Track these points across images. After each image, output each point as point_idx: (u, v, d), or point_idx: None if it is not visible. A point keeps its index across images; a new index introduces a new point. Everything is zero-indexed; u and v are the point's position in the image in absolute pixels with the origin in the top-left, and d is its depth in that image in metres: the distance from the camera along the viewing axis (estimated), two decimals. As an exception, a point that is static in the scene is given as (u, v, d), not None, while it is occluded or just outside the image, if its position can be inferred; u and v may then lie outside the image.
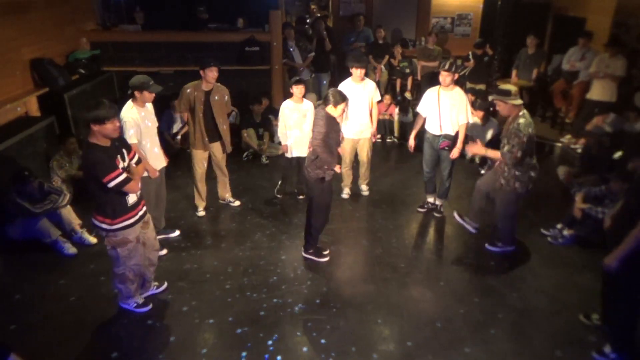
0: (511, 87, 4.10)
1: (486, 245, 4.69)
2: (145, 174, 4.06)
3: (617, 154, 5.18)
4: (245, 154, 6.92)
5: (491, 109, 6.97)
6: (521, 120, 3.99)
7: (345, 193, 5.75)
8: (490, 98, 4.80)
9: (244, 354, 3.39)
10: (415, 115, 5.30)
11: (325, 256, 4.49)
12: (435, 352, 3.43)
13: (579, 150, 6.77)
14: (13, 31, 5.46)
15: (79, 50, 6.83)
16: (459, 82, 5.88)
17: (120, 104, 4.10)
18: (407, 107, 7.70)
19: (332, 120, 4.05)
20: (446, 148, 4.93)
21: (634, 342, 3.26)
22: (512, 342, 3.53)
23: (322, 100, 4.21)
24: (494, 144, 5.20)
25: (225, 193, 5.46)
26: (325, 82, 8.33)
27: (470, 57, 8.30)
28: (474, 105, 6.61)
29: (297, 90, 5.02)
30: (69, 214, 4.69)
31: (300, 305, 3.88)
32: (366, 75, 5.30)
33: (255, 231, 5.00)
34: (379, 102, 5.50)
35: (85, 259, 4.45)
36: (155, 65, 7.19)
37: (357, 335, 3.58)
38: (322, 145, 4.01)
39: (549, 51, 8.86)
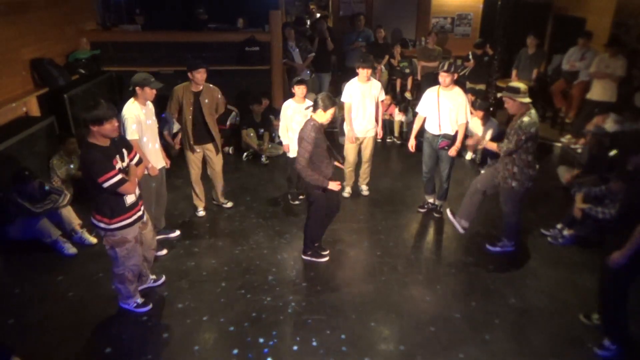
0: (521, 85, 4.08)
1: (486, 245, 4.69)
2: (146, 171, 4.07)
3: (612, 152, 5.18)
4: (245, 154, 6.92)
5: (491, 109, 6.98)
6: (525, 119, 4.00)
7: (347, 192, 5.77)
8: (499, 95, 4.80)
9: (243, 353, 3.39)
10: (415, 115, 5.31)
11: (324, 256, 4.49)
12: (435, 351, 3.43)
13: (579, 150, 6.78)
14: (13, 31, 5.46)
15: (79, 50, 6.83)
16: (459, 82, 5.88)
17: (120, 104, 4.11)
18: (407, 107, 7.71)
19: (320, 130, 3.99)
20: (445, 148, 4.93)
21: (628, 332, 3.37)
22: (512, 342, 3.53)
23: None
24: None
25: (218, 194, 5.42)
26: (326, 82, 8.34)
27: (470, 57, 8.30)
28: (474, 105, 6.62)
29: (299, 90, 5.02)
30: (69, 214, 4.69)
31: (300, 305, 3.88)
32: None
33: (255, 231, 5.00)
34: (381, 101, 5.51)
35: (85, 259, 4.45)
36: (155, 65, 7.18)
37: (357, 335, 3.58)
38: (306, 167, 3.91)
39: (549, 51, 8.86)
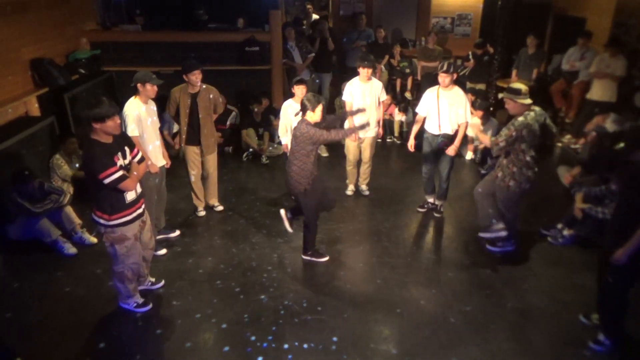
0: (522, 86, 4.08)
1: (486, 245, 4.69)
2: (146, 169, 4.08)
3: (619, 145, 5.14)
4: (245, 154, 6.92)
5: (491, 108, 6.98)
6: (520, 118, 4.02)
7: (350, 190, 5.79)
8: (500, 96, 4.80)
9: (243, 353, 3.39)
10: (415, 115, 5.31)
11: (324, 256, 4.50)
12: (435, 351, 3.43)
13: (579, 150, 6.77)
14: (13, 31, 5.46)
15: (79, 50, 6.83)
16: (459, 82, 5.88)
17: (121, 104, 4.12)
18: (407, 107, 7.71)
19: (314, 129, 4.00)
20: (445, 148, 4.93)
21: (623, 328, 3.42)
22: (512, 342, 3.53)
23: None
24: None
25: (211, 197, 5.37)
26: (326, 81, 8.33)
27: (471, 57, 8.29)
28: (474, 105, 6.61)
29: (299, 90, 5.01)
30: (69, 213, 4.69)
31: (299, 305, 3.88)
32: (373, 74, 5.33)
33: (255, 231, 5.00)
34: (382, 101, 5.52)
35: (85, 259, 4.45)
36: (155, 65, 7.17)
37: (357, 335, 3.58)
38: (327, 133, 3.96)
39: (549, 51, 8.85)
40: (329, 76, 8.40)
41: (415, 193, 5.81)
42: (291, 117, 5.09)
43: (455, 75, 4.90)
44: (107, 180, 3.17)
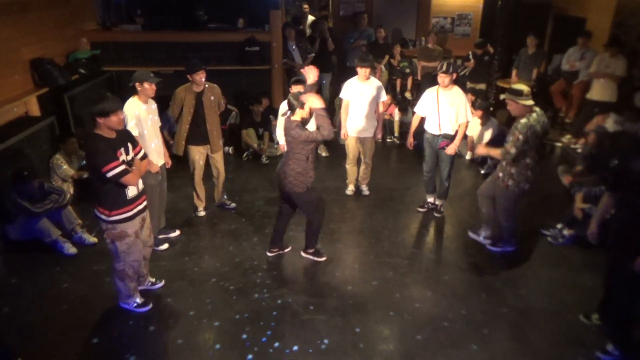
0: (524, 87, 4.06)
1: (487, 245, 4.69)
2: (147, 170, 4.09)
3: (613, 163, 5.13)
4: (245, 154, 6.92)
5: (491, 108, 6.98)
6: (522, 120, 4.00)
7: (350, 190, 5.80)
8: (502, 97, 4.80)
9: (243, 353, 3.39)
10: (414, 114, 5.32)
11: (323, 255, 4.49)
12: (435, 351, 3.43)
13: (579, 150, 6.77)
14: (13, 31, 5.46)
15: (79, 50, 6.83)
16: (459, 82, 5.88)
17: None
18: (407, 107, 7.71)
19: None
20: (445, 147, 4.94)
21: (634, 338, 3.33)
22: (512, 342, 3.53)
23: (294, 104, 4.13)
24: (494, 143, 5.18)
25: (221, 195, 5.42)
26: (326, 82, 8.33)
27: (471, 57, 8.30)
28: (474, 105, 6.61)
29: (296, 90, 5.00)
30: (69, 213, 4.69)
31: (299, 305, 3.88)
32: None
33: (255, 231, 5.00)
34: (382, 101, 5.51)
35: (85, 259, 4.45)
36: (155, 65, 7.17)
37: (357, 335, 3.58)
38: (316, 132, 3.91)
39: (549, 51, 8.86)
40: (329, 76, 8.40)
41: (415, 193, 5.81)
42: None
43: (454, 75, 4.91)
44: (109, 174, 3.21)
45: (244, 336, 3.55)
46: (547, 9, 9.41)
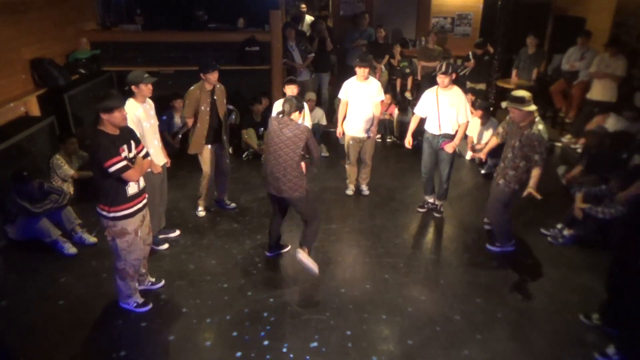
0: (525, 94, 4.06)
1: (486, 245, 4.69)
2: (148, 169, 4.08)
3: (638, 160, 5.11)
4: (245, 154, 6.92)
5: (491, 108, 6.98)
6: (540, 127, 4.03)
7: (350, 190, 5.80)
8: (503, 106, 4.80)
9: (243, 353, 3.39)
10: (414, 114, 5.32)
11: (316, 266, 4.08)
12: (435, 351, 3.43)
13: (579, 150, 6.77)
14: (13, 31, 5.46)
15: (79, 50, 6.83)
16: (459, 82, 5.88)
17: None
18: (407, 107, 7.70)
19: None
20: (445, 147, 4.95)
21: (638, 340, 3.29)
22: (512, 342, 3.53)
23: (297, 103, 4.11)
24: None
25: (225, 194, 5.44)
26: (325, 82, 8.33)
27: (471, 57, 8.30)
28: (474, 105, 6.61)
29: (289, 90, 4.94)
30: (69, 213, 4.69)
31: (300, 305, 3.89)
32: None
33: (255, 231, 5.00)
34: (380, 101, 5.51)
35: (85, 259, 4.45)
36: (155, 65, 7.17)
37: (357, 335, 3.58)
38: (300, 171, 3.97)
39: (549, 51, 8.86)
40: (328, 76, 8.40)
41: (415, 193, 5.81)
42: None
43: (454, 76, 4.91)
44: (111, 169, 3.23)
45: (243, 336, 3.54)
46: (547, 9, 9.41)
